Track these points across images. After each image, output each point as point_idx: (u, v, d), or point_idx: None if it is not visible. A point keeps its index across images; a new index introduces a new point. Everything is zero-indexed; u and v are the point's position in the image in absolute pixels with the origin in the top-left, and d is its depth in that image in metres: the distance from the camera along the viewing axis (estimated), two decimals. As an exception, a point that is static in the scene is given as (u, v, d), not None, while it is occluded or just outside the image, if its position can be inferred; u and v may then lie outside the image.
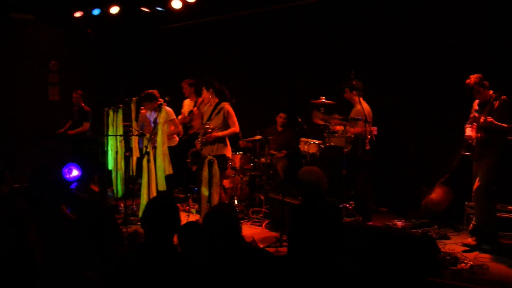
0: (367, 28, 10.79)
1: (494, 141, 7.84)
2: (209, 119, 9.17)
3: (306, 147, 10.09)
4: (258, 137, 10.56)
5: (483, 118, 7.71)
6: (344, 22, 11.16)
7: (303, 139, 10.26)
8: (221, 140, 9.12)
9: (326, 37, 11.46)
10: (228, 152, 9.26)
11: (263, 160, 10.45)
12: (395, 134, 10.47)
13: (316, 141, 10.01)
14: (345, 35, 11.10)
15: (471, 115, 8.28)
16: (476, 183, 7.98)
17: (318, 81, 11.56)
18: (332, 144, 9.75)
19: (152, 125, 9.76)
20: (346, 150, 9.41)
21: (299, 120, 10.57)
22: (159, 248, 4.03)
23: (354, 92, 9.57)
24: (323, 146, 9.90)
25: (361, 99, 9.47)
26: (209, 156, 8.81)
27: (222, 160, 9.04)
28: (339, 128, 9.62)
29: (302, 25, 11.94)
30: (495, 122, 7.66)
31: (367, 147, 9.62)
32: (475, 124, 8.08)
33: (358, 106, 9.45)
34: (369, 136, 9.24)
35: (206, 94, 9.28)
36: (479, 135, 7.89)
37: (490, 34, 9.28)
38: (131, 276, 3.97)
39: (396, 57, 10.40)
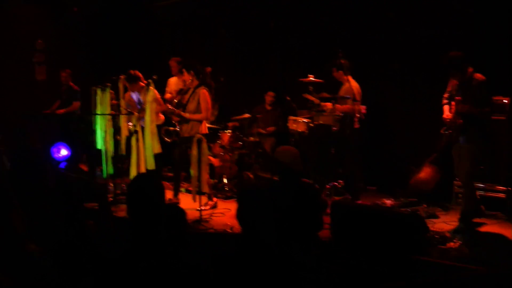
0: (355, 6, 10.75)
1: (473, 127, 7.77)
2: (187, 102, 9.18)
3: (294, 125, 10.08)
4: (247, 115, 10.55)
5: (459, 105, 7.69)
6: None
7: (291, 117, 10.25)
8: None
9: (314, 15, 11.41)
10: (204, 130, 9.27)
11: (251, 138, 10.43)
12: (384, 113, 10.48)
13: (305, 120, 10.00)
14: (333, 13, 11.06)
15: (449, 88, 8.21)
16: (461, 169, 7.98)
17: (307, 59, 11.54)
18: (321, 122, 9.75)
19: (138, 106, 9.75)
20: (334, 128, 9.42)
21: (288, 98, 10.55)
22: (145, 230, 3.99)
23: (341, 71, 9.55)
24: (311, 125, 9.89)
25: (349, 77, 9.45)
26: (197, 135, 8.79)
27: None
28: (328, 106, 9.62)
29: (291, 3, 11.89)
30: (472, 108, 7.62)
31: (357, 126, 9.63)
32: (453, 102, 8.05)
33: (347, 84, 9.44)
34: (357, 115, 9.23)
35: (186, 76, 9.29)
36: (457, 121, 7.84)
37: (476, 22, 9.29)
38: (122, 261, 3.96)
39: (384, 35, 10.38)
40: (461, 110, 7.68)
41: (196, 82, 9.24)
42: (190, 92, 9.28)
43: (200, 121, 9.16)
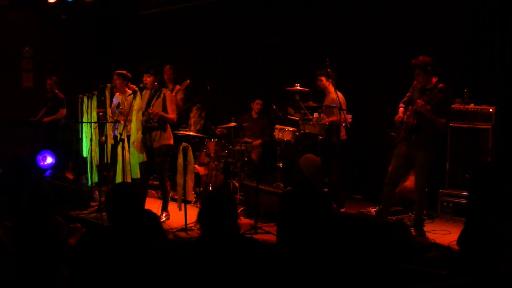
0: (341, 15, 10.82)
1: (428, 131, 7.89)
2: (149, 105, 8.90)
3: (280, 134, 10.07)
4: (233, 124, 10.53)
5: (421, 102, 7.73)
6: (317, 10, 11.18)
7: (277, 126, 10.24)
8: (162, 128, 8.94)
9: (300, 24, 11.46)
10: (171, 140, 9.10)
11: (237, 147, 10.42)
12: (369, 122, 10.49)
13: (291, 129, 10.01)
14: (318, 23, 11.11)
15: (408, 94, 8.34)
16: (418, 176, 8.17)
17: (293, 68, 11.58)
18: (307, 131, 9.77)
19: (115, 110, 9.82)
20: (320, 137, 9.43)
21: (274, 107, 10.56)
22: (121, 233, 4.05)
23: (330, 80, 9.58)
24: (297, 134, 9.91)
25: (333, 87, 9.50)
26: (183, 144, 8.75)
27: (167, 148, 8.97)
28: (314, 115, 9.65)
29: (276, 12, 11.95)
30: (431, 112, 7.71)
31: (344, 137, 9.65)
32: (410, 107, 8.08)
33: (333, 95, 9.46)
34: (343, 124, 9.24)
35: (150, 79, 8.91)
36: (411, 120, 7.93)
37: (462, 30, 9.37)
38: (92, 259, 3.99)
39: (368, 45, 10.42)
40: (420, 109, 7.74)
41: (157, 86, 8.95)
42: (149, 94, 9.03)
43: (165, 128, 9.00)
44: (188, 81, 11.40)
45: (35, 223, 4.91)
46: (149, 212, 5.11)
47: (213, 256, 4.16)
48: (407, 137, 8.01)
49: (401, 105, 8.35)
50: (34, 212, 5.37)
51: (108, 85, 10.03)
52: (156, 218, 5.03)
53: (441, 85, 7.83)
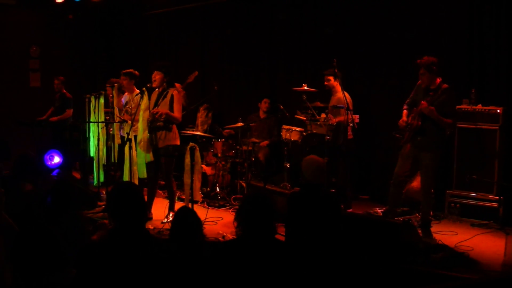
0: (348, 16, 10.80)
1: (433, 132, 7.86)
2: (156, 104, 8.91)
3: (288, 134, 10.07)
4: (240, 124, 10.53)
5: (425, 104, 7.70)
6: (323, 10, 11.17)
7: (285, 126, 10.25)
8: (167, 128, 8.92)
9: (307, 23, 11.45)
10: (177, 141, 9.08)
11: (245, 147, 10.42)
12: (376, 123, 10.47)
13: (298, 129, 10.01)
14: (326, 22, 11.09)
15: (411, 95, 8.30)
16: (423, 177, 8.16)
17: (300, 68, 11.55)
18: (314, 131, 9.76)
19: (123, 109, 9.85)
20: (328, 138, 9.42)
21: (281, 107, 10.55)
22: (126, 233, 4.05)
23: (338, 80, 9.54)
24: (305, 134, 9.90)
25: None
26: (191, 144, 8.74)
27: (173, 148, 8.96)
28: (322, 115, 9.64)
29: (282, 12, 11.93)
30: (436, 112, 7.68)
31: (351, 136, 9.63)
32: (415, 109, 8.05)
33: (340, 94, 9.44)
34: (351, 124, 9.22)
35: (160, 77, 8.94)
36: (415, 121, 7.90)
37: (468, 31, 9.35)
38: (98, 258, 3.98)
39: (374, 45, 10.40)
40: (424, 110, 7.72)
41: (165, 86, 8.94)
42: (157, 92, 9.03)
43: (171, 128, 8.97)
44: (197, 72, 11.25)
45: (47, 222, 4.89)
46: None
47: (251, 257, 4.22)
48: (412, 138, 7.99)
49: (405, 107, 8.31)
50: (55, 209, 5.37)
51: (116, 84, 10.06)
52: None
53: (445, 85, 7.81)
